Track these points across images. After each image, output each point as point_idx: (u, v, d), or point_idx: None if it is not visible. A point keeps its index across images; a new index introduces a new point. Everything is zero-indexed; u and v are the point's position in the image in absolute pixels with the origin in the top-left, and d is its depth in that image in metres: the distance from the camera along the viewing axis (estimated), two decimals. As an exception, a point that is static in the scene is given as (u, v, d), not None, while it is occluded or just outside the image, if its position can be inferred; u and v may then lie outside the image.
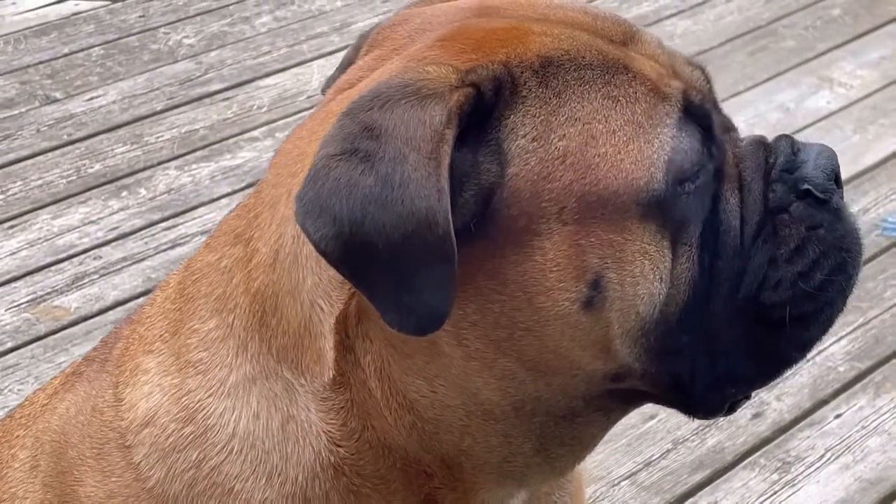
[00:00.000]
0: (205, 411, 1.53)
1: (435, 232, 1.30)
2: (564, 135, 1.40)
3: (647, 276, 1.42)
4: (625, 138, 1.41)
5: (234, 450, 1.51)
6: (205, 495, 1.52)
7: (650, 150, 1.42)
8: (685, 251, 1.45)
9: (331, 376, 1.49)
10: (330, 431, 1.49)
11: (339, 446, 1.49)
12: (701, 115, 1.47)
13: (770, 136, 4.63)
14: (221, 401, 1.52)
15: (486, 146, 1.39)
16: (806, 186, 1.49)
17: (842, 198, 1.52)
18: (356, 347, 1.48)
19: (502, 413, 1.47)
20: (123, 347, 1.63)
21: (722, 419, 3.19)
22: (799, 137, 4.78)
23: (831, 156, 1.52)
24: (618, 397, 1.49)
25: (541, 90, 1.41)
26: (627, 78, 1.43)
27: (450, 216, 1.31)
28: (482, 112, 1.38)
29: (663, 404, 1.55)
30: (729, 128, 1.53)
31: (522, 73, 1.41)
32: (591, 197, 1.40)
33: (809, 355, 3.35)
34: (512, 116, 1.40)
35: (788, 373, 1.57)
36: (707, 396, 1.51)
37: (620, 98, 1.42)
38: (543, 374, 1.44)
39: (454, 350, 1.43)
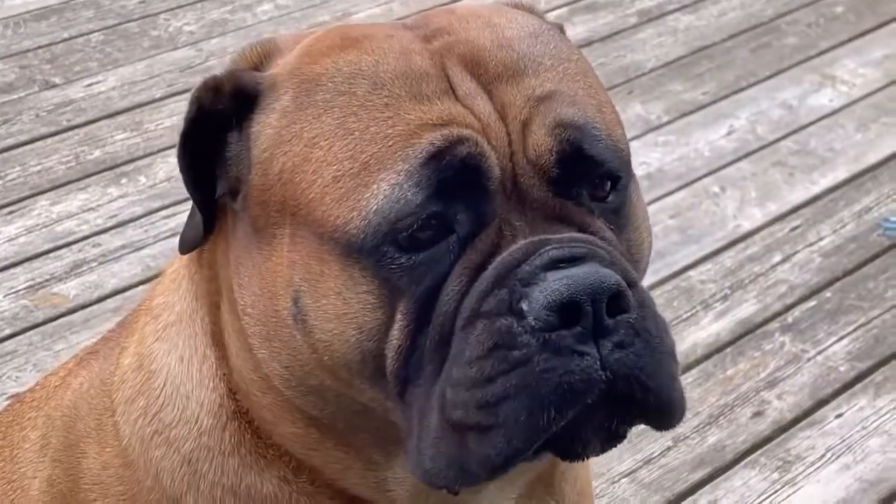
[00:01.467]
0: (150, 356, 1.55)
1: (186, 183, 1.46)
2: (287, 151, 1.39)
3: (342, 318, 1.37)
4: (338, 173, 1.36)
5: (167, 394, 1.53)
6: (152, 444, 1.53)
7: (361, 195, 1.35)
8: (399, 320, 1.36)
9: (210, 323, 1.52)
10: (225, 379, 1.51)
11: (235, 396, 1.51)
12: (458, 174, 1.35)
13: (772, 134, 4.54)
14: (161, 344, 1.55)
15: (244, 142, 1.44)
16: (522, 305, 1.33)
17: (582, 338, 1.33)
18: (221, 303, 1.51)
19: (326, 422, 1.46)
20: (134, 315, 1.66)
21: (722, 417, 3.18)
22: (801, 136, 4.74)
23: (575, 288, 1.32)
24: None
25: (288, 104, 1.41)
26: (381, 116, 1.36)
27: (187, 178, 1.45)
28: (248, 111, 1.44)
29: None
30: (556, 216, 1.39)
31: (286, 85, 1.42)
32: (299, 218, 1.39)
33: (807, 356, 3.33)
34: (256, 126, 1.43)
35: (476, 483, 1.39)
36: (416, 469, 1.41)
37: (356, 132, 1.36)
38: (310, 389, 1.43)
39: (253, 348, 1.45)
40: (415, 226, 1.34)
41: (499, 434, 1.34)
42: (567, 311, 1.32)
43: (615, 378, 1.34)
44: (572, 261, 1.34)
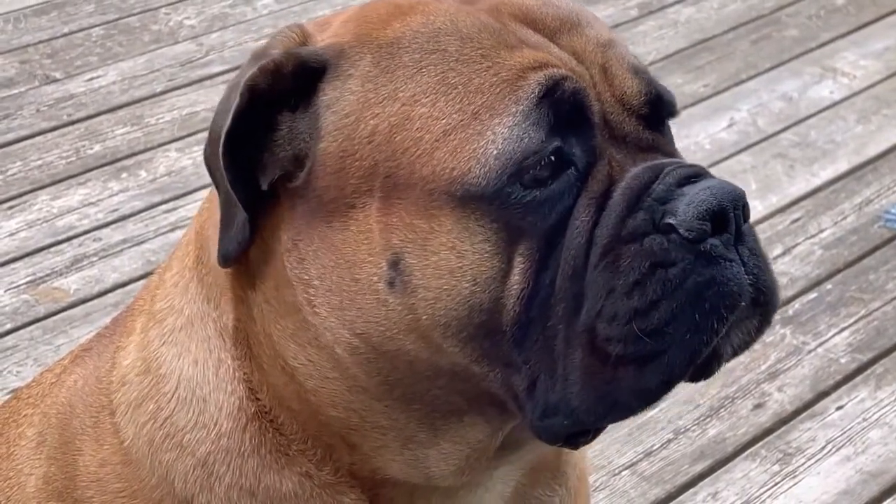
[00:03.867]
0: (158, 360, 1.54)
1: (220, 172, 1.42)
2: (378, 113, 1.40)
3: (455, 273, 1.37)
4: (447, 127, 1.37)
5: (181, 398, 1.52)
6: (163, 448, 1.52)
7: (477, 143, 1.36)
8: (520, 262, 1.37)
9: (232, 320, 1.51)
10: (245, 380, 1.50)
11: (257, 397, 1.50)
12: (569, 107, 1.38)
13: (773, 126, 4.53)
14: (170, 348, 1.54)
15: (304, 117, 1.43)
16: (669, 221, 1.35)
17: (728, 244, 1.37)
18: (248, 296, 1.50)
19: (378, 393, 1.46)
20: (129, 315, 1.65)
21: (723, 410, 3.18)
22: (802, 128, 4.72)
23: (718, 195, 1.36)
24: (492, 402, 1.45)
25: (370, 69, 1.41)
26: (480, 67, 1.39)
27: (222, 166, 1.41)
28: (309, 85, 1.43)
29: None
30: (648, 147, 1.43)
31: (359, 52, 1.42)
32: (398, 178, 1.39)
33: (808, 348, 3.32)
34: (331, 93, 1.42)
35: (629, 418, 1.41)
36: (541, 421, 1.40)
37: (459, 86, 1.38)
38: (381, 354, 1.43)
39: (313, 318, 1.45)
40: (541, 162, 1.36)
41: (662, 360, 1.35)
42: (716, 219, 1.35)
43: (756, 283, 1.38)
44: (697, 177, 1.39)
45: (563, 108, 1.38)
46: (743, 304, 1.37)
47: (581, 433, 1.43)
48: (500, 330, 1.38)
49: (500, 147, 1.36)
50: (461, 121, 1.37)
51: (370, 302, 1.41)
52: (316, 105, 1.43)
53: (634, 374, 1.36)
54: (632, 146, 1.42)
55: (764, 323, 1.43)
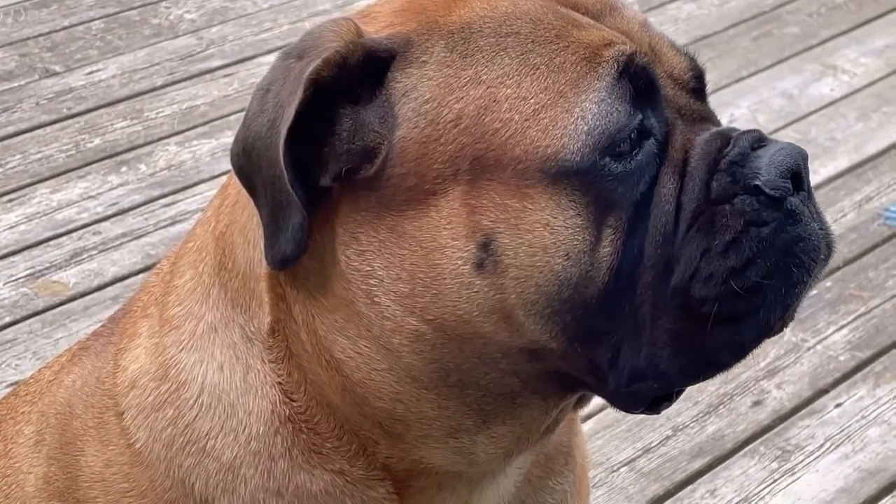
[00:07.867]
0: (177, 367, 1.53)
1: (272, 174, 1.39)
2: (462, 97, 1.41)
3: (548, 249, 1.39)
4: (536, 106, 1.40)
5: (204, 404, 1.51)
6: (183, 453, 1.52)
7: (567, 120, 1.39)
8: (609, 234, 1.40)
9: (269, 322, 1.50)
10: (280, 382, 1.50)
11: (292, 399, 1.50)
12: (644, 81, 1.43)
13: (773, 123, 4.53)
14: (191, 354, 1.53)
15: (373, 107, 1.42)
16: (755, 182, 1.41)
17: (805, 201, 1.44)
18: (287, 295, 1.49)
19: (430, 381, 1.46)
20: (128, 316, 1.64)
21: (722, 407, 3.18)
22: (802, 125, 4.71)
23: (793, 155, 1.43)
24: (552, 380, 1.47)
25: (445, 55, 1.42)
26: (557, 47, 1.42)
27: (282, 163, 1.38)
28: (374, 76, 1.42)
29: (592, 391, 1.50)
30: (701, 118, 1.48)
31: (429, 39, 1.43)
32: (487, 160, 1.40)
33: (807, 345, 3.32)
34: (405, 80, 1.42)
35: (717, 376, 1.47)
36: (627, 388, 1.44)
37: (541, 66, 1.41)
38: (451, 339, 1.43)
39: (369, 309, 1.44)
40: (630, 136, 1.40)
41: (758, 315, 1.41)
42: (794, 177, 1.42)
43: (825, 237, 1.45)
44: (764, 140, 1.45)
45: (638, 82, 1.42)
46: (822, 257, 1.44)
47: (665, 396, 1.49)
48: (585, 303, 1.41)
49: (590, 123, 1.39)
50: (548, 99, 1.40)
51: (450, 286, 1.41)
52: (387, 94, 1.42)
53: (729, 331, 1.41)
54: (688, 118, 1.46)
55: (820, 276, 1.49)
